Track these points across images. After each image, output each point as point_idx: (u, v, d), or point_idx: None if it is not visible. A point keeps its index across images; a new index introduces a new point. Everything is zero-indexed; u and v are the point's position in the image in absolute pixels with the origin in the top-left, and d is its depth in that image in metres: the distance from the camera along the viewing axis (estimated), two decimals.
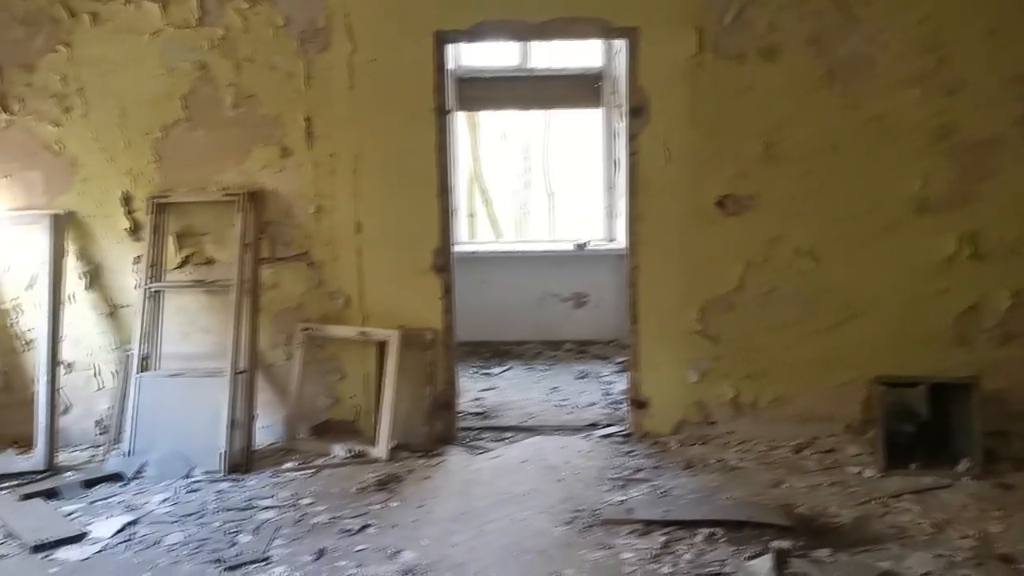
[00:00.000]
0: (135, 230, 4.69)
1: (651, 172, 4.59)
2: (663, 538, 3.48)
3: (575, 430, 4.90)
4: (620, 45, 6.73)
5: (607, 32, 4.72)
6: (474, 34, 4.62)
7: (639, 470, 4.27)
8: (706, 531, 3.49)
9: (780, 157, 4.54)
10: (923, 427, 4.38)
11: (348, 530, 3.65)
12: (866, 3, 4.41)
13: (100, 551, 3.52)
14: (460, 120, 7.90)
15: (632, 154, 4.63)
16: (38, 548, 3.53)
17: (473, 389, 5.78)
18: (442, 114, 4.67)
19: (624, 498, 3.91)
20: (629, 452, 4.52)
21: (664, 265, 4.65)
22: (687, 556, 3.34)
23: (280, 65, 4.59)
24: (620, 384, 5.76)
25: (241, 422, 4.39)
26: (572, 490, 4.02)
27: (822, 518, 3.68)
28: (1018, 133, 4.44)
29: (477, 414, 5.25)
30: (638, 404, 4.75)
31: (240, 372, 4.42)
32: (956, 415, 4.31)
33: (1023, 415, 4.48)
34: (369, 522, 3.73)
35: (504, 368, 6.38)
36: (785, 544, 3.35)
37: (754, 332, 4.64)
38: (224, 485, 4.16)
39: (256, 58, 4.58)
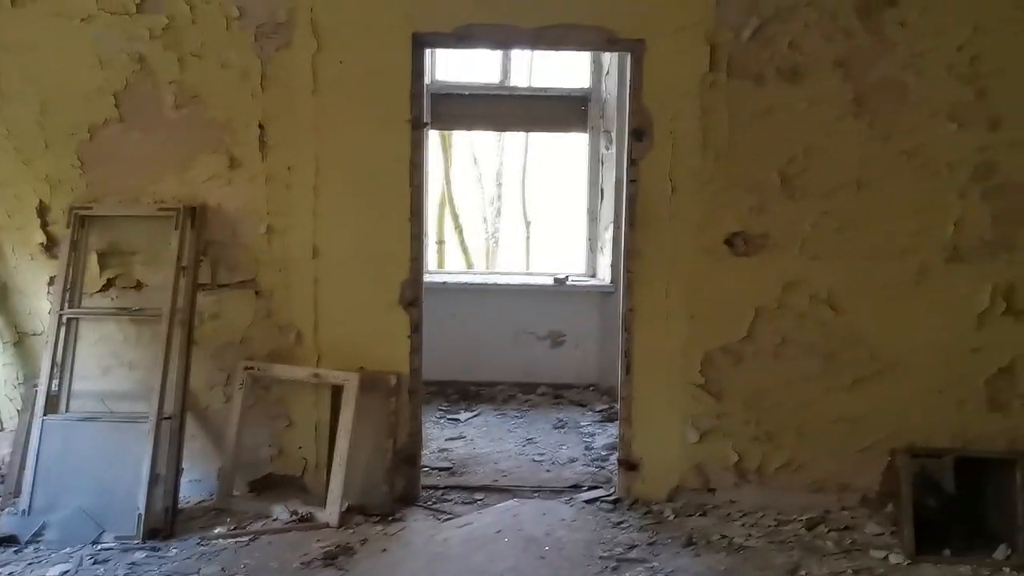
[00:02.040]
0: (51, 246, 4.02)
1: (653, 203, 4.05)
2: None
3: (555, 492, 4.30)
4: (610, 65, 6.27)
5: (609, 43, 4.15)
6: (459, 38, 4.05)
7: (632, 546, 3.67)
8: None
9: (799, 191, 4.03)
10: (949, 503, 3.92)
11: None
12: (900, 25, 3.92)
13: None
14: (432, 139, 7.33)
15: (631, 181, 4.09)
16: None
17: (439, 437, 5.15)
18: (417, 127, 4.10)
19: None
20: (619, 523, 3.91)
21: (664, 309, 4.09)
22: None
23: (232, 63, 3.99)
24: (602, 437, 5.18)
25: (165, 477, 3.71)
26: (558, 571, 3.40)
27: None
28: None
29: (443, 469, 4.61)
30: (628, 465, 4.16)
31: (166, 418, 3.74)
32: (991, 492, 3.83)
33: None
34: None
35: (473, 413, 5.74)
36: None
37: (764, 388, 4.10)
38: (139, 555, 3.47)
39: (205, 53, 3.98)
